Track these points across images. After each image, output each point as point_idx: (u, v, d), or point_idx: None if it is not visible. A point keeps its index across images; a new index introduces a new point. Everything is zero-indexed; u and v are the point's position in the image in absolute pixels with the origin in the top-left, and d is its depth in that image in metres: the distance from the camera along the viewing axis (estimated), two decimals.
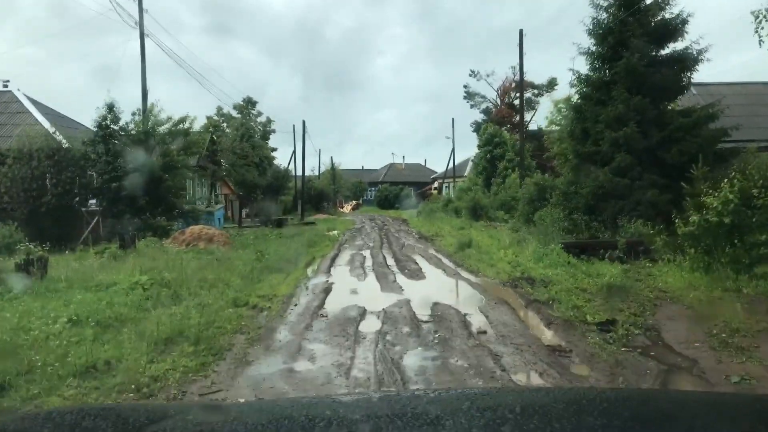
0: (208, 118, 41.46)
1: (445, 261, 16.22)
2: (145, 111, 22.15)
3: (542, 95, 45.95)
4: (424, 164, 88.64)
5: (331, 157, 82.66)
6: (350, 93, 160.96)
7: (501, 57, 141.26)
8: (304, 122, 43.20)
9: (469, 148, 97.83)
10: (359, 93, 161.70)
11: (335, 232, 28.24)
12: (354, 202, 74.26)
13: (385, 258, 16.87)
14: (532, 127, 47.69)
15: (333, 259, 16.70)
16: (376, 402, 1.67)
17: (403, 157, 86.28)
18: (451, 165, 59.07)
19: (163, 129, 22.29)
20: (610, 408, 1.51)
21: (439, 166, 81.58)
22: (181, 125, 22.94)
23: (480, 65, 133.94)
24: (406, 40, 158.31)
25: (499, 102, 46.51)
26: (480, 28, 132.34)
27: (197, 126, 26.42)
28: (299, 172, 51.50)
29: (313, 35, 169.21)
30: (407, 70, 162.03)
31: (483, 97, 46.19)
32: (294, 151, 60.94)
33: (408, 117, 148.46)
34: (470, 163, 64.39)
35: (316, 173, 76.14)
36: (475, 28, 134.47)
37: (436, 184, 68.98)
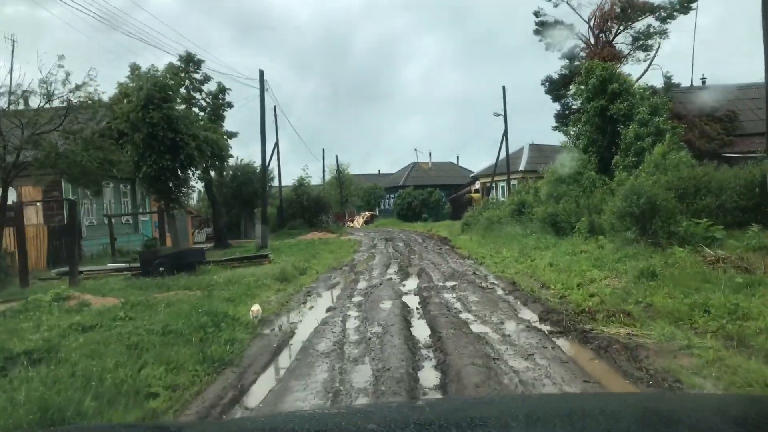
0: (120, 84, 23.41)
1: None
2: None
3: (671, 20, 27.33)
4: (456, 162, 70.10)
5: (336, 156, 64.19)
6: (374, 103, 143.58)
7: (536, 62, 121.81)
8: (261, 73, 25.19)
9: (520, 136, 76.33)
10: (383, 103, 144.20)
11: (274, 297, 10.00)
12: (367, 214, 55.99)
13: None
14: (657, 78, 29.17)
15: None
16: (379, 414, 1.61)
17: (430, 153, 67.82)
18: (503, 155, 40.52)
19: None
20: (616, 413, 1.49)
21: (474, 165, 63.19)
22: None
23: (512, 72, 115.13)
24: (433, 47, 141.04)
25: (591, 38, 28.08)
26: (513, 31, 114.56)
27: None
28: (283, 173, 34.30)
29: (337, 46, 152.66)
30: (434, 78, 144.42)
31: (568, 26, 27.72)
32: (276, 143, 43.22)
33: (435, 124, 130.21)
34: (526, 154, 46.04)
35: (319, 180, 58.36)
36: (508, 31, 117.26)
37: (477, 185, 50.45)
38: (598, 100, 21.36)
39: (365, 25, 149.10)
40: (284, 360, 6.21)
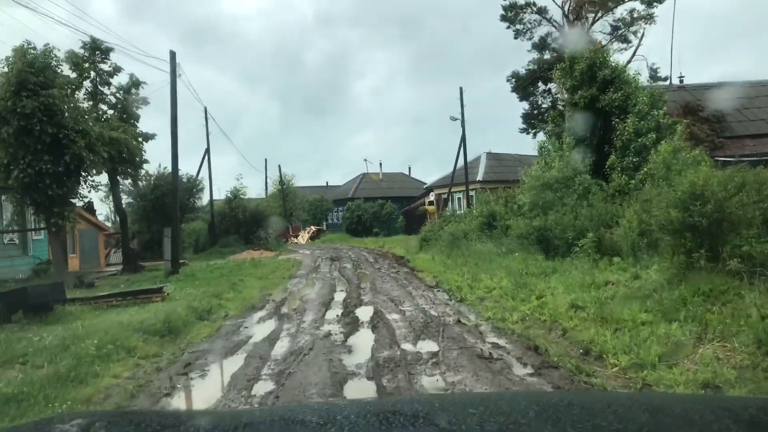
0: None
1: None
2: None
3: (657, 3, 24.04)
4: (408, 173, 66.19)
5: (279, 166, 59.31)
6: (324, 117, 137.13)
7: (487, 77, 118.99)
8: (172, 54, 20.36)
9: (473, 150, 72.40)
10: (334, 117, 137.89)
11: (122, 382, 5.36)
12: (313, 228, 51.20)
13: None
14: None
15: None
16: (387, 406, 1.59)
17: (380, 164, 63.61)
18: (460, 164, 36.82)
19: None
20: (625, 413, 1.41)
21: (427, 178, 58.93)
22: None
23: (466, 83, 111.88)
24: (385, 61, 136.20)
25: (566, 27, 24.53)
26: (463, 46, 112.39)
27: None
28: (225, 189, 29.81)
29: (287, 60, 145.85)
30: (385, 93, 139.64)
31: (540, 11, 23.95)
32: (207, 150, 38.09)
33: (386, 138, 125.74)
34: (483, 163, 42.38)
35: (261, 193, 53.68)
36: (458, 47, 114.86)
37: (432, 196, 46.48)
38: (587, 90, 17.58)
39: (315, 40, 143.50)
40: None
